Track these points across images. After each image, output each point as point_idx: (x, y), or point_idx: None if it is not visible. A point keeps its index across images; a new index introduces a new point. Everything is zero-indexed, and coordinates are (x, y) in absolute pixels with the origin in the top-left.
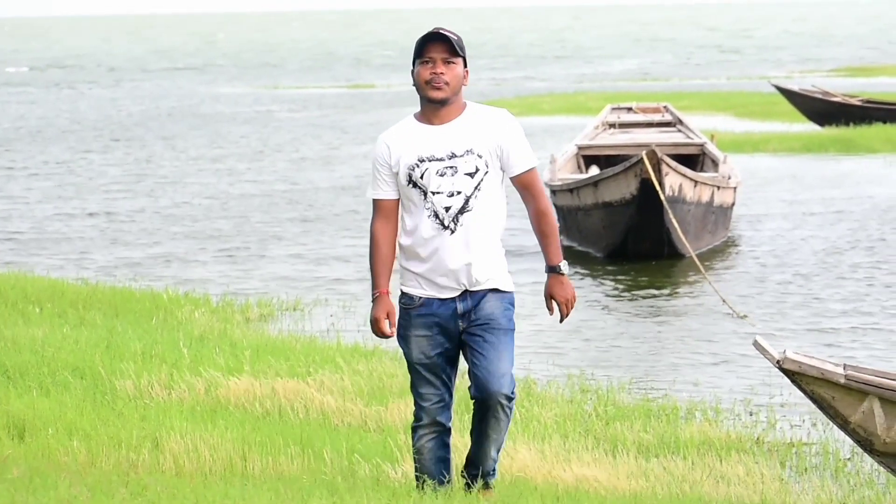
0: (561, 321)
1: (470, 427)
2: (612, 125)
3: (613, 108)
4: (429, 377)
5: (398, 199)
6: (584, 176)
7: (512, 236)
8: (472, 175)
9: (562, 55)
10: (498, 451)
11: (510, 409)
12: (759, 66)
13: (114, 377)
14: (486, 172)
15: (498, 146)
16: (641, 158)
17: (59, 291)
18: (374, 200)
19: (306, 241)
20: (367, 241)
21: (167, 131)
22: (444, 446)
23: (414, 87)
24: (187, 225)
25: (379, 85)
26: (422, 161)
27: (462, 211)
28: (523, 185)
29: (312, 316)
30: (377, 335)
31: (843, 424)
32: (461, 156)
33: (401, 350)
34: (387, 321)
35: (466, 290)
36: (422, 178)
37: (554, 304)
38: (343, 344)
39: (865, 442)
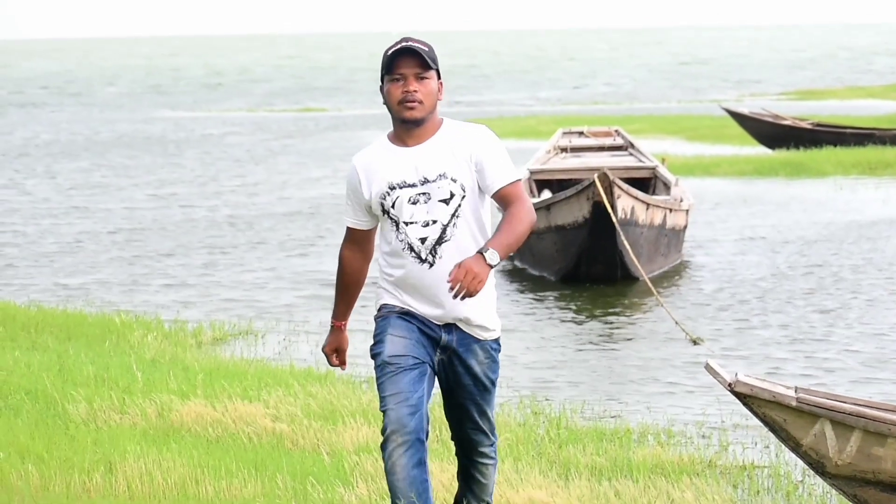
0: (451, 291)
1: (456, 471)
2: (563, 149)
3: (565, 133)
4: (398, 375)
5: (372, 229)
6: (536, 200)
7: None
8: (446, 202)
9: (512, 79)
10: (490, 493)
11: (493, 452)
12: (709, 89)
13: (66, 401)
14: (464, 197)
15: (473, 163)
16: (593, 182)
17: (10, 315)
18: (348, 228)
19: (258, 265)
20: (318, 263)
21: (113, 155)
22: (420, 464)
23: (385, 106)
24: (137, 249)
25: (330, 108)
26: (392, 189)
27: (440, 241)
28: (504, 197)
29: (265, 340)
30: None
31: (795, 447)
32: (433, 181)
33: (353, 372)
34: (335, 356)
35: (453, 325)
36: (393, 207)
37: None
38: (296, 367)
39: (817, 464)
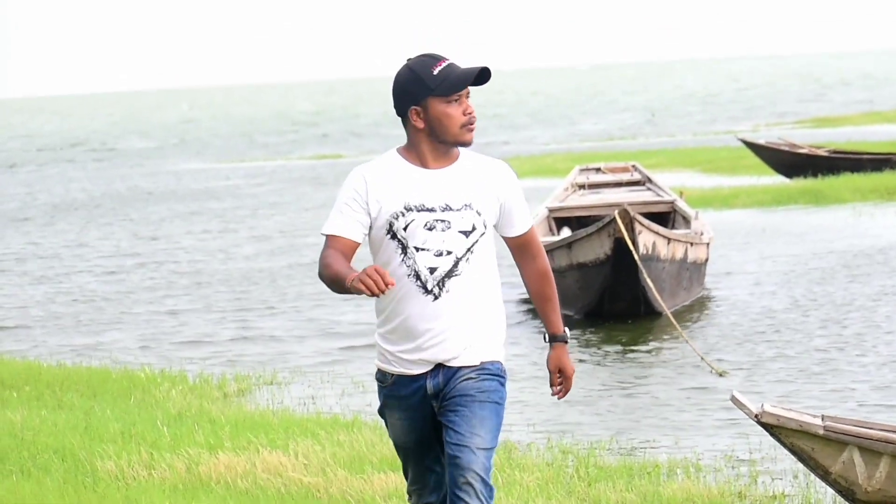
0: (563, 396)
1: None
2: (581, 186)
3: (582, 169)
4: (409, 461)
5: (357, 246)
6: (556, 238)
7: None
8: (467, 234)
9: (528, 118)
10: None
11: (486, 498)
12: (724, 120)
13: (94, 458)
14: (483, 234)
15: (500, 204)
16: (614, 218)
17: (36, 374)
18: (330, 237)
19: (281, 316)
20: (340, 314)
21: (131, 210)
22: None
23: (419, 129)
24: (159, 304)
25: (347, 155)
26: (408, 210)
27: (450, 275)
28: (522, 244)
29: (290, 389)
30: (368, 290)
31: (824, 475)
32: (458, 210)
33: (380, 421)
34: (376, 272)
35: (439, 365)
36: (405, 230)
37: (558, 377)
38: (322, 416)
39: (847, 492)
